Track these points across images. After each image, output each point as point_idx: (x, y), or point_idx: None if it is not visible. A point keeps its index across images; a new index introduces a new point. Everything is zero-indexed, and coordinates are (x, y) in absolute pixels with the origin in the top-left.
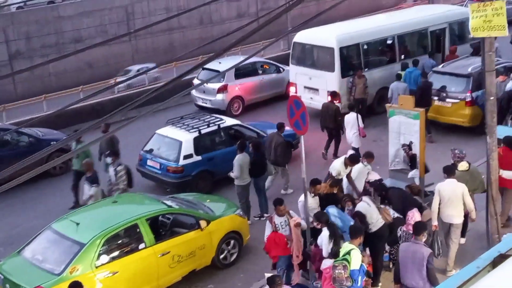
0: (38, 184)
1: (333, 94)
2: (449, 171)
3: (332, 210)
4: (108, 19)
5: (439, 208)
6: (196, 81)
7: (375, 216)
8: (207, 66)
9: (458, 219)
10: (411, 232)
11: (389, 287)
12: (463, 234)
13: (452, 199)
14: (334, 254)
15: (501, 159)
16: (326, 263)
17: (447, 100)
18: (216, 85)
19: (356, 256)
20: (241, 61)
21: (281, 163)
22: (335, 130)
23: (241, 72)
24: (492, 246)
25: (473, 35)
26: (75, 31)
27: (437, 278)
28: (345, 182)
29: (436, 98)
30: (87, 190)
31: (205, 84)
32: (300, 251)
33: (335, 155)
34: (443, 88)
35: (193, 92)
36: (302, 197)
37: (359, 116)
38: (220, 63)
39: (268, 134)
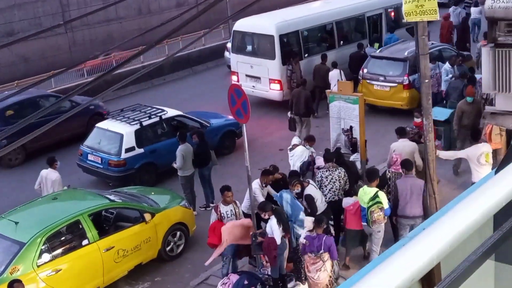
0: None
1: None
2: (401, 132)
3: (286, 196)
4: (42, 11)
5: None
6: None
7: (320, 199)
8: None
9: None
10: (399, 171)
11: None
12: None
13: (403, 155)
14: (354, 193)
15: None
16: (349, 201)
17: (386, 84)
18: None
19: (383, 197)
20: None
21: (307, 114)
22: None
23: None
24: None
25: (406, 19)
26: (7, 24)
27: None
28: (292, 163)
29: (374, 83)
30: None
31: None
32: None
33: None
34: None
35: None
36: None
37: (342, 71)
38: None
39: (293, 90)
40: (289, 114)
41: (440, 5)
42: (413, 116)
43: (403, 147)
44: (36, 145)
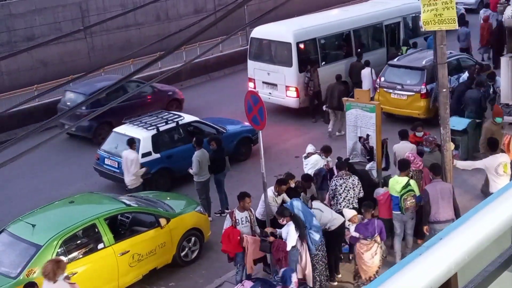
0: None
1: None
2: (403, 134)
3: (296, 203)
4: (62, 16)
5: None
6: None
7: (329, 216)
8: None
9: None
10: (419, 169)
11: (349, 279)
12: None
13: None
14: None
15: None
16: (379, 191)
17: (403, 93)
18: None
19: (415, 185)
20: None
21: (339, 107)
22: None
23: None
24: None
25: (424, 28)
26: (28, 29)
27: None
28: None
29: (391, 91)
30: None
31: None
32: (251, 270)
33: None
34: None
35: None
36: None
37: (373, 70)
38: None
39: (329, 84)
40: (324, 107)
41: (469, 11)
42: (430, 125)
43: (403, 148)
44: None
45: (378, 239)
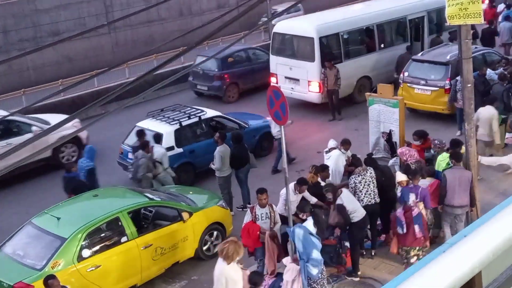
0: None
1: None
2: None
3: (298, 231)
4: (87, 11)
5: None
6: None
7: (357, 206)
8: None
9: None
10: (419, 159)
11: (371, 275)
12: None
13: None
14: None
15: None
16: (425, 182)
17: (427, 88)
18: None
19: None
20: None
21: None
22: None
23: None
24: None
25: (449, 22)
26: (53, 24)
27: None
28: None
29: (415, 86)
30: None
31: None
32: (274, 266)
33: None
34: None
35: None
36: (283, 190)
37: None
38: None
39: (399, 55)
40: (395, 75)
41: None
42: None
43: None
44: (245, 87)
45: (421, 206)
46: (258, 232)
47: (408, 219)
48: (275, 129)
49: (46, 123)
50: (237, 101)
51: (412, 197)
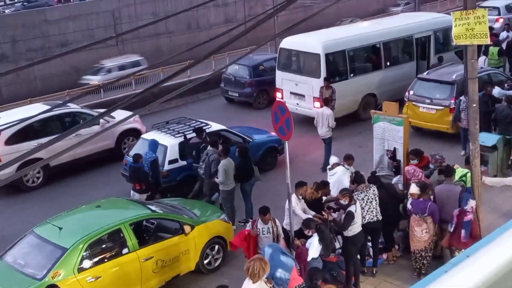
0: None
1: None
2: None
3: (267, 250)
4: (95, 23)
5: None
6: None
7: (359, 221)
8: None
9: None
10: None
11: None
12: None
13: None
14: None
15: None
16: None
17: (432, 107)
18: None
19: (469, 177)
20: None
21: None
22: None
23: None
24: None
25: (456, 42)
26: (61, 35)
27: None
28: (331, 183)
29: (420, 105)
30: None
31: None
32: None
33: None
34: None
35: None
36: (288, 204)
37: None
38: None
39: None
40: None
41: None
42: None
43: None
44: (274, 94)
45: (429, 220)
46: (246, 232)
47: (458, 221)
48: (322, 129)
49: (111, 117)
50: (267, 107)
51: (471, 203)
